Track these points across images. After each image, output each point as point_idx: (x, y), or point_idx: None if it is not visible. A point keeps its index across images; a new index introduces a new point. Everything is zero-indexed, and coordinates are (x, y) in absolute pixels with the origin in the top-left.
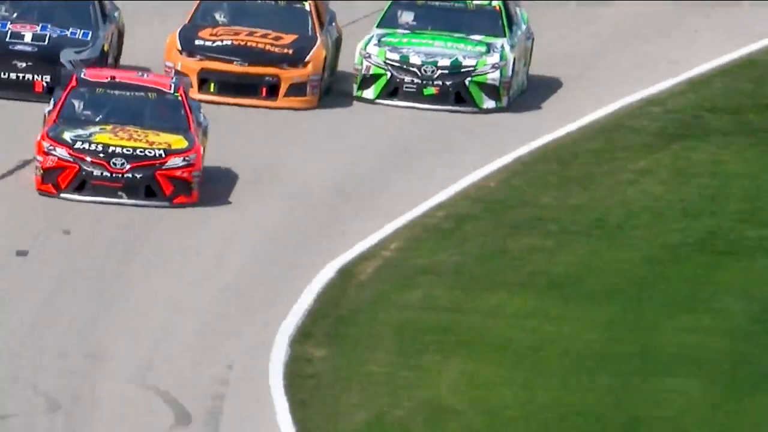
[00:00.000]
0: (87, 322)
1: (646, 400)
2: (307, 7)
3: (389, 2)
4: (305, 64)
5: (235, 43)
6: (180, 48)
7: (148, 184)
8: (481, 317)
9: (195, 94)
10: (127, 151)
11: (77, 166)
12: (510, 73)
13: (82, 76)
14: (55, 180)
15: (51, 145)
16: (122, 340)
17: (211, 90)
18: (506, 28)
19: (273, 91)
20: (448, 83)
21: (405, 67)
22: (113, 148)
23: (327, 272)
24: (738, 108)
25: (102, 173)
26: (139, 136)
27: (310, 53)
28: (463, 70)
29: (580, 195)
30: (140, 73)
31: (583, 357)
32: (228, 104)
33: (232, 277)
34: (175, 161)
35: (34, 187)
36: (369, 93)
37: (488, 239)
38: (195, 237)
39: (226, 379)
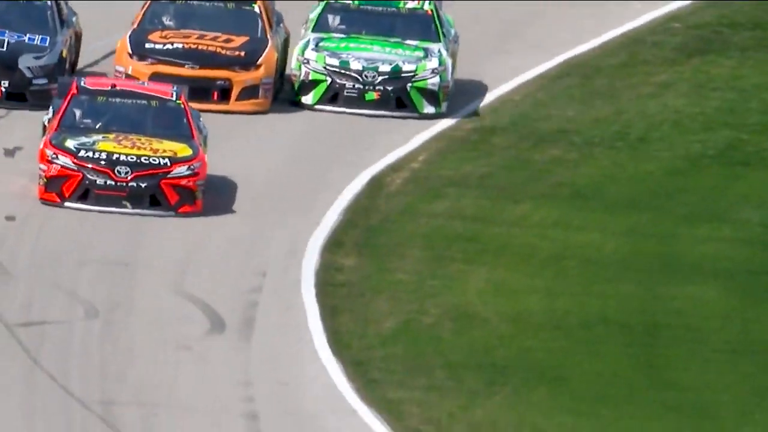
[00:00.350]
0: (125, 232)
1: (667, 308)
2: (257, 9)
3: (321, 6)
4: (257, 67)
5: (186, 46)
6: (131, 52)
7: (153, 193)
8: (507, 227)
9: None
10: (132, 159)
11: (81, 175)
12: (449, 77)
13: (82, 84)
14: (59, 189)
15: (54, 154)
16: (158, 249)
17: None
18: (441, 33)
19: (225, 94)
20: (389, 88)
21: (346, 72)
22: (117, 156)
23: (357, 183)
24: (757, 23)
25: (106, 182)
26: (142, 144)
27: (262, 56)
28: (403, 75)
29: (603, 108)
30: (140, 81)
31: (605, 265)
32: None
33: (264, 188)
34: (181, 170)
35: (37, 196)
36: (308, 98)
37: (513, 151)
38: (229, 145)
39: (259, 287)
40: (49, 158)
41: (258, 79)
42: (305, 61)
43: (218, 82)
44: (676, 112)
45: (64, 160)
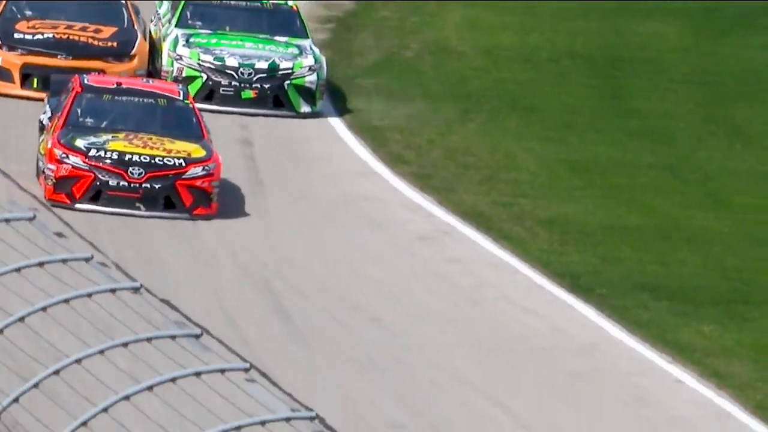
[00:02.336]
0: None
1: (629, 42)
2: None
3: (182, 1)
4: (131, 58)
5: (57, 36)
6: (0, 43)
7: (168, 194)
8: None
9: (17, 90)
10: (145, 159)
11: (93, 175)
12: (325, 75)
13: (86, 81)
14: (69, 190)
15: (64, 153)
16: None
17: (35, 86)
18: (307, 29)
19: None
20: (266, 86)
21: (221, 69)
22: (130, 156)
23: None
24: None
25: (119, 183)
26: (154, 143)
27: (135, 47)
28: (280, 73)
29: None
30: (145, 80)
31: (573, 7)
32: None
33: None
34: (195, 171)
35: (44, 197)
36: None
37: None
38: None
39: None
40: (59, 158)
41: (132, 70)
42: (177, 57)
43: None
44: None
45: (74, 159)
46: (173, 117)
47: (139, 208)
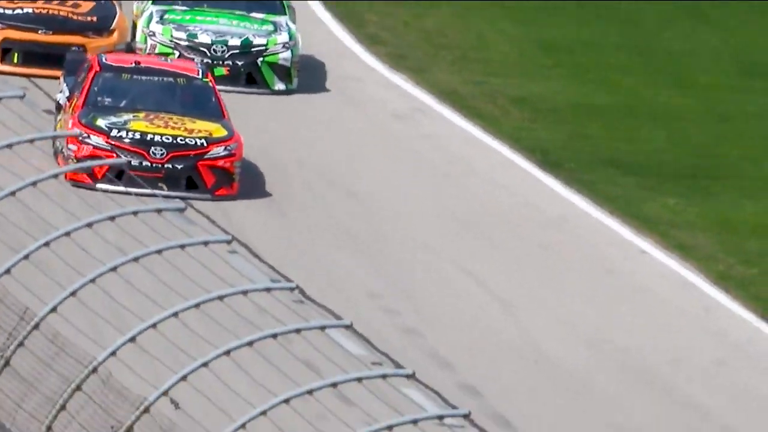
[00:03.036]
0: None
1: None
2: None
3: None
4: (111, 33)
5: (37, 11)
6: None
7: (190, 175)
8: None
9: None
10: (167, 139)
11: (114, 156)
12: (300, 52)
13: (104, 60)
14: (90, 169)
15: (85, 133)
16: None
17: (15, 61)
18: (285, 6)
19: None
20: (239, 63)
21: (194, 46)
22: (152, 137)
23: None
24: None
25: (141, 163)
26: (175, 123)
27: (115, 21)
28: (254, 49)
29: None
30: (163, 58)
31: None
32: (34, 76)
33: None
34: (217, 151)
35: (65, 177)
36: None
37: None
38: None
39: None
40: (80, 138)
41: (113, 45)
42: (151, 33)
43: (73, 48)
44: None
45: (96, 140)
46: (193, 96)
47: (161, 189)
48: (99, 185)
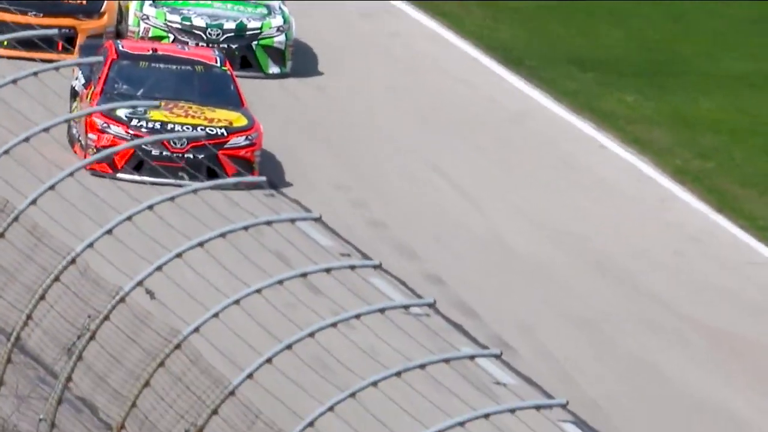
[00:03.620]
0: None
1: None
2: None
3: None
4: (101, 15)
5: None
6: None
7: (210, 164)
8: None
9: None
10: (187, 128)
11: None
12: (294, 36)
13: (121, 48)
14: (111, 159)
15: (106, 123)
16: None
17: (5, 44)
18: None
19: (69, 44)
20: (234, 46)
21: (188, 30)
22: (172, 126)
23: None
24: None
25: (162, 153)
26: (195, 112)
27: (104, 3)
28: (248, 33)
29: None
30: (180, 46)
31: None
32: (22, 59)
33: None
34: (238, 140)
35: (85, 167)
36: None
37: None
38: None
39: None
40: (100, 127)
41: (103, 27)
42: (144, 17)
43: (63, 31)
44: None
45: (116, 129)
46: (211, 84)
47: (182, 178)
48: (120, 175)
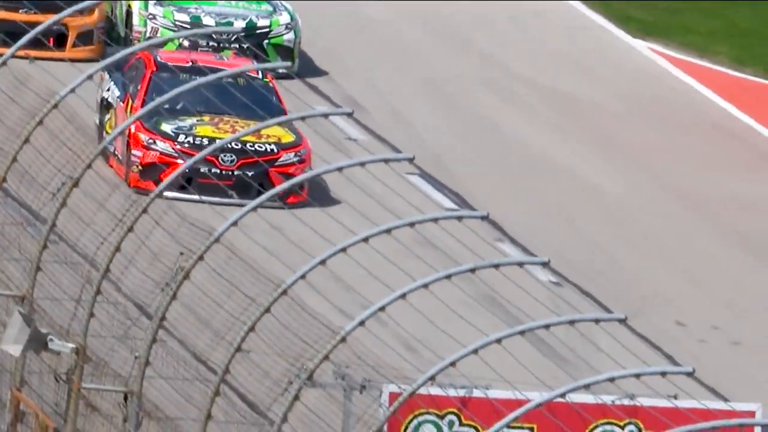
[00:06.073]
0: None
1: None
2: None
3: None
4: (92, 12)
5: None
6: None
7: (261, 182)
8: None
9: None
10: (236, 145)
11: (183, 163)
12: (301, 33)
13: (159, 59)
14: (157, 177)
15: (151, 139)
16: None
17: None
18: None
19: (60, 41)
20: (245, 46)
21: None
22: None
23: None
24: None
25: (210, 170)
26: (242, 128)
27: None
28: (258, 31)
29: None
30: (217, 56)
31: None
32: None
33: None
34: (288, 157)
35: (128, 184)
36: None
37: None
38: None
39: None
40: (145, 144)
41: (94, 23)
42: (150, 16)
43: (54, 27)
44: None
45: (162, 146)
46: (255, 97)
47: (231, 196)
48: (166, 193)
